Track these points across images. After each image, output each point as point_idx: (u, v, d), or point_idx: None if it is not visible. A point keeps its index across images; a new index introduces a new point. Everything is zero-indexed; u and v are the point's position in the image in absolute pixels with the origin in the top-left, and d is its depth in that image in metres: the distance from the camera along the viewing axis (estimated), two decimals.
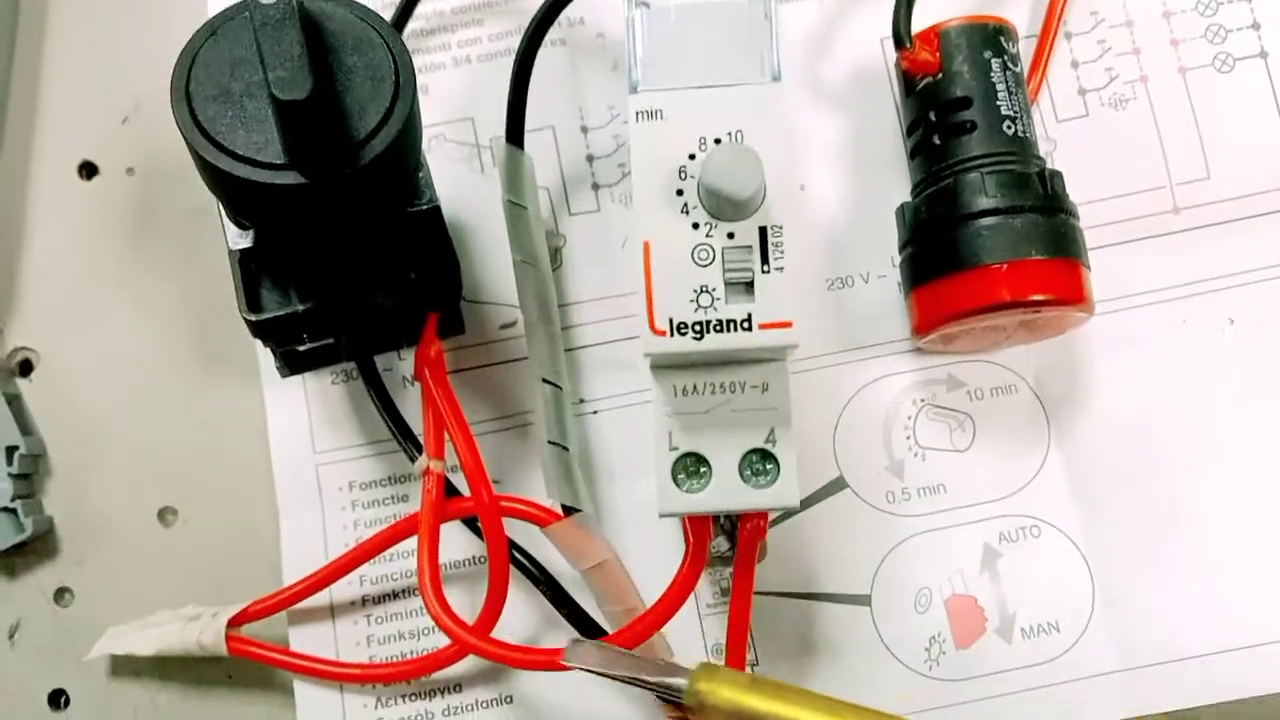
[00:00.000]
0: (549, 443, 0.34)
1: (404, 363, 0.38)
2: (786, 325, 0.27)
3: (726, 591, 0.36)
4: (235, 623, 0.36)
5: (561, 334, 0.37)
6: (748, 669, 0.36)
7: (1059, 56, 0.39)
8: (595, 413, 0.38)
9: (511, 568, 0.35)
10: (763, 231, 0.27)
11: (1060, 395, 0.37)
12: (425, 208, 0.33)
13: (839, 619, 0.36)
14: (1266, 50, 0.38)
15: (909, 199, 0.36)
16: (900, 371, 0.37)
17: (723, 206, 0.27)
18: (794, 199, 0.27)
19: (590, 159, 0.39)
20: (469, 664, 0.36)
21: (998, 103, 0.35)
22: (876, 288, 0.38)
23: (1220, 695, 0.35)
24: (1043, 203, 0.34)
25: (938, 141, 0.35)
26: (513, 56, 0.36)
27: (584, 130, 0.39)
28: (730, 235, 0.27)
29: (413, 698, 0.37)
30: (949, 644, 0.36)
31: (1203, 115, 0.38)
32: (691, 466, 0.30)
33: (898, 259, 0.37)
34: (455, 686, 0.37)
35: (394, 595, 0.37)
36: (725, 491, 0.29)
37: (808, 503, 0.37)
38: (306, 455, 0.38)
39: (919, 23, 0.35)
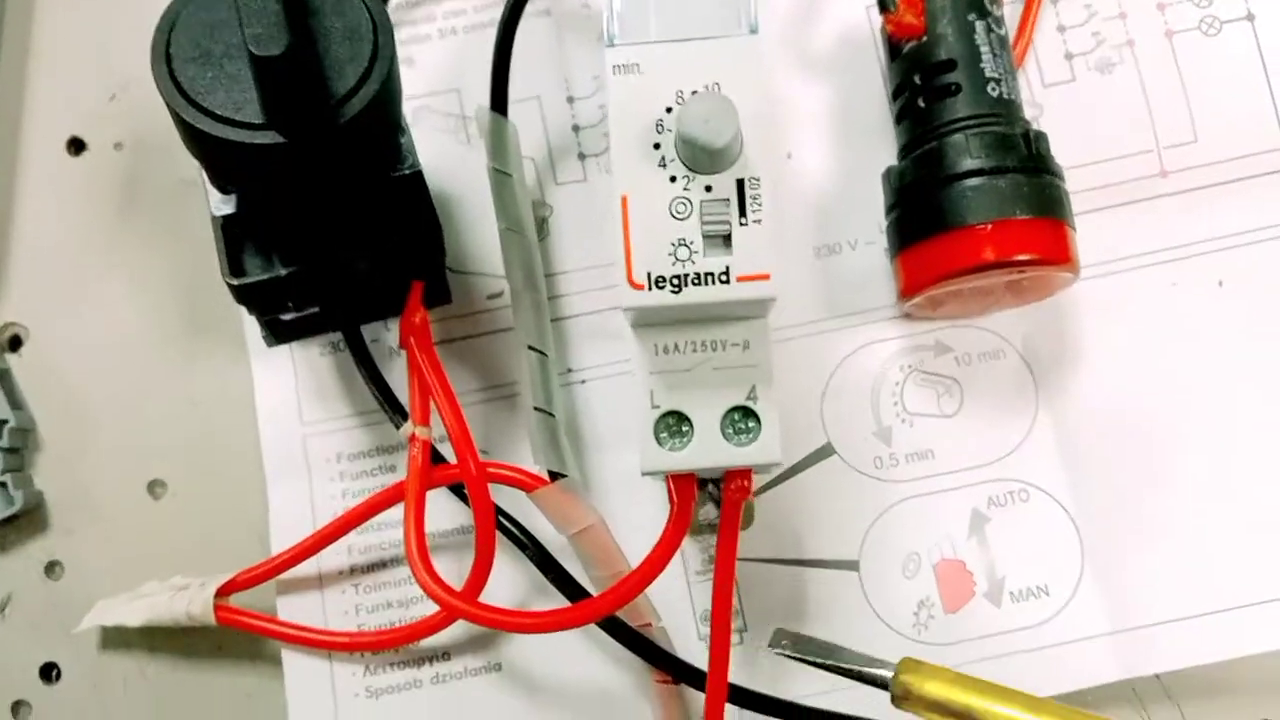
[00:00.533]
0: (535, 409, 0.34)
1: (391, 333, 0.38)
2: (764, 278, 0.27)
3: None
4: (223, 593, 0.36)
5: (548, 302, 0.37)
6: (736, 636, 0.36)
7: (1045, 21, 0.38)
8: (584, 382, 0.38)
9: (499, 534, 0.35)
10: (740, 184, 0.27)
11: (1048, 360, 0.37)
12: (407, 172, 0.33)
13: (828, 584, 0.36)
14: (1253, 13, 0.38)
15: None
16: (888, 338, 0.37)
17: (699, 157, 0.27)
18: (772, 150, 0.27)
19: (576, 129, 0.39)
20: (457, 631, 0.36)
21: (982, 65, 0.34)
22: (864, 254, 0.38)
23: (1209, 657, 0.35)
24: (1027, 163, 0.34)
25: (922, 105, 0.35)
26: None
27: (570, 100, 0.39)
28: (708, 188, 0.27)
29: (401, 666, 0.37)
30: (937, 609, 0.36)
31: (1189, 79, 0.38)
32: (674, 425, 0.30)
33: (884, 224, 0.37)
34: (443, 654, 0.37)
35: (382, 564, 0.37)
36: (707, 449, 0.29)
37: (796, 469, 0.37)
38: (294, 426, 0.38)
39: None
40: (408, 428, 0.35)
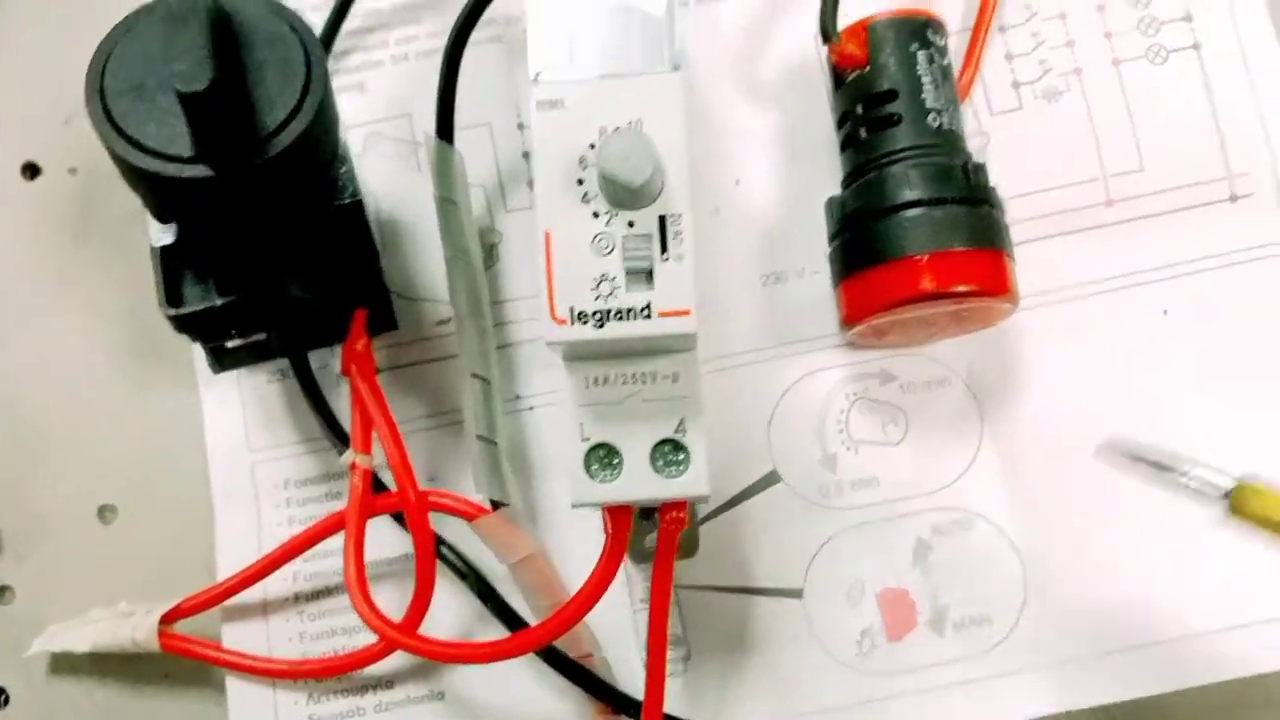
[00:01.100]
0: (477, 437, 0.34)
1: (339, 359, 0.38)
2: (685, 313, 0.27)
3: None
4: (168, 619, 0.36)
5: (493, 329, 0.37)
6: (680, 664, 0.36)
7: (993, 49, 0.38)
8: (531, 409, 0.38)
9: (440, 564, 0.35)
10: (662, 220, 0.27)
11: (993, 388, 0.37)
12: (347, 202, 0.33)
13: (772, 612, 0.36)
14: (1199, 42, 0.38)
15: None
16: (834, 366, 0.37)
17: (619, 194, 0.27)
18: (695, 186, 0.27)
19: (527, 155, 0.39)
20: (399, 660, 0.36)
21: (923, 96, 0.35)
22: (810, 283, 0.38)
23: (1152, 688, 0.35)
24: (966, 195, 0.34)
25: (865, 135, 0.35)
26: None
27: (520, 127, 0.39)
28: (630, 224, 0.27)
29: (345, 694, 0.37)
30: (880, 637, 0.36)
31: (1136, 107, 0.38)
32: (604, 457, 0.30)
33: (828, 252, 0.37)
34: (387, 683, 0.37)
35: (327, 592, 0.37)
36: (637, 482, 0.29)
37: (742, 496, 0.37)
38: (242, 453, 0.38)
39: (857, 16, 0.35)
40: (349, 455, 0.35)
